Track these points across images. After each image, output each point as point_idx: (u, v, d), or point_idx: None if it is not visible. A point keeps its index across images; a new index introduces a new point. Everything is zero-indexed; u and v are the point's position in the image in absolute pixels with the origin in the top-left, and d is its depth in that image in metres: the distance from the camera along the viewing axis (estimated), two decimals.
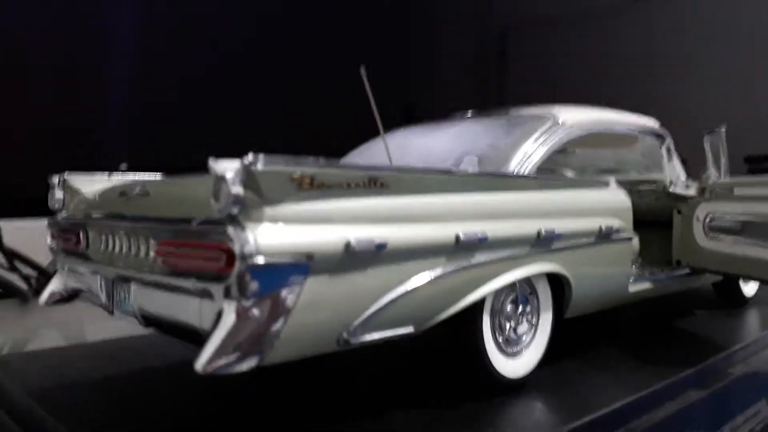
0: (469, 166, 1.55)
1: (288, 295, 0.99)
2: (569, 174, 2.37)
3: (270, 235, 0.97)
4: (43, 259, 2.73)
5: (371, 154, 1.81)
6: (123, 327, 1.67)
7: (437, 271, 1.19)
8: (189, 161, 1.31)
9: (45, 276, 2.81)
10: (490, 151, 1.58)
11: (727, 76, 4.31)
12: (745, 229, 1.71)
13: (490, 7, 4.82)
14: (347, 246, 1.04)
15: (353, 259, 1.06)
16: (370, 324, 1.11)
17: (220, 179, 0.96)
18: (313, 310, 1.02)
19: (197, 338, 1.06)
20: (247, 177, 0.95)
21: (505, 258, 1.31)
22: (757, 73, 4.27)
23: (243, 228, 0.96)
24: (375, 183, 1.12)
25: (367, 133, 1.95)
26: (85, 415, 1.34)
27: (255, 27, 2.35)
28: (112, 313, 1.36)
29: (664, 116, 2.07)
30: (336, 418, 1.27)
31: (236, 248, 0.95)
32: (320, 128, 2.54)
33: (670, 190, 1.95)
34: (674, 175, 2.00)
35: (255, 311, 0.97)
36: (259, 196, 0.97)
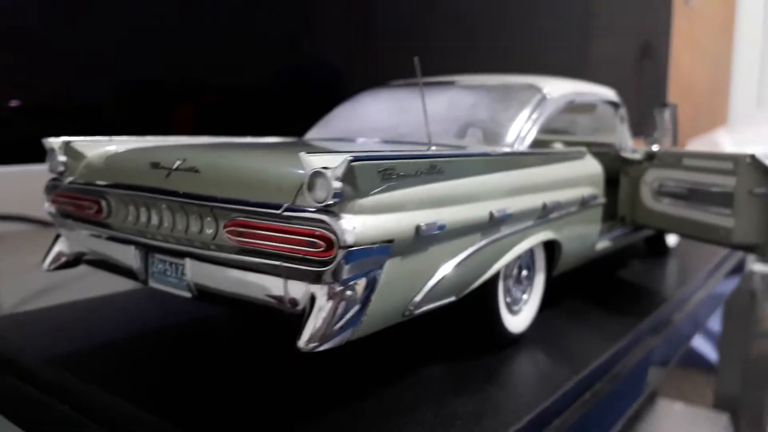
0: (474, 137, 1.66)
1: (373, 277, 1.08)
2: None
3: (363, 225, 1.04)
4: None
5: (367, 114, 1.87)
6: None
7: (476, 246, 1.32)
8: None
9: None
10: (490, 123, 1.70)
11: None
12: (690, 194, 1.97)
13: None
14: (418, 229, 1.14)
15: (420, 240, 1.16)
16: (427, 296, 1.22)
17: (317, 173, 1.01)
18: (390, 289, 1.12)
19: (276, 315, 1.13)
20: (347, 172, 1.01)
21: (521, 230, 1.46)
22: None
23: (340, 218, 1.02)
24: (434, 169, 1.21)
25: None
26: (93, 367, 1.40)
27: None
28: (145, 283, 1.37)
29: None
30: (341, 375, 1.37)
31: (335, 238, 1.01)
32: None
33: (620, 154, 2.18)
34: (624, 140, 2.23)
35: (348, 293, 1.05)
36: (353, 188, 1.03)
